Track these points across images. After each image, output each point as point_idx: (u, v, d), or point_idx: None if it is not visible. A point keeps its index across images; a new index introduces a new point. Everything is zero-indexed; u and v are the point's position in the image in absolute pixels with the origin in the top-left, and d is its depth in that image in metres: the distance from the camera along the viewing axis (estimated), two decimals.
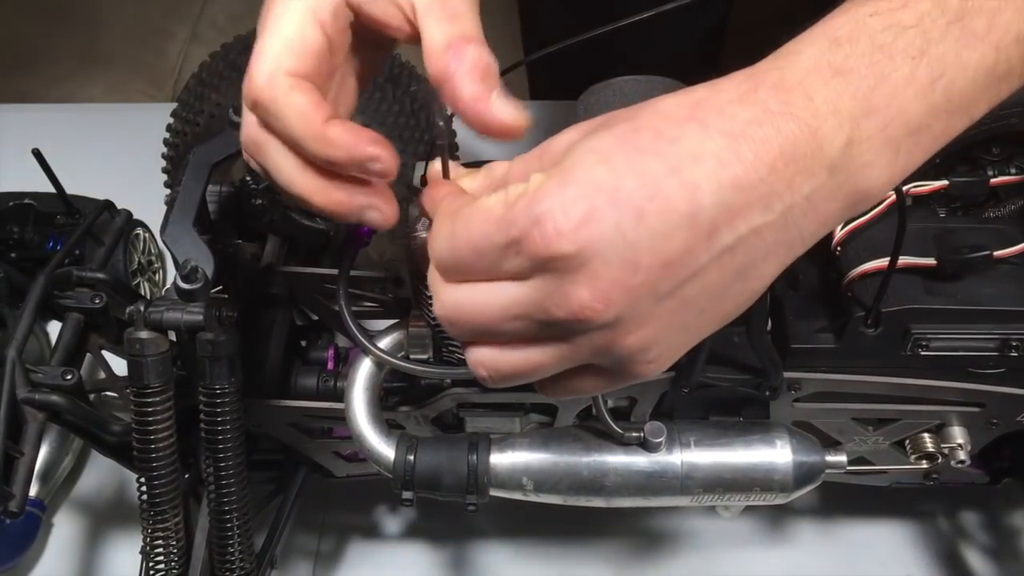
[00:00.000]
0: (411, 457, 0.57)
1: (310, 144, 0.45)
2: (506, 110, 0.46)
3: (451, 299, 0.43)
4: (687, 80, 0.53)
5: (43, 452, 0.79)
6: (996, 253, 0.58)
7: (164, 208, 0.57)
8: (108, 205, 0.82)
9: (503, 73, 0.51)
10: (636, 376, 0.44)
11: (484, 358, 0.44)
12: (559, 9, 1.09)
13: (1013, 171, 0.70)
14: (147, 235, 0.90)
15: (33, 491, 0.77)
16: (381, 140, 0.46)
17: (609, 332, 0.41)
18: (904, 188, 0.60)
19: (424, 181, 0.49)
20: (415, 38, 0.48)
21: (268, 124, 0.46)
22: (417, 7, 0.48)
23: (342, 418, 0.60)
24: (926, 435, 0.65)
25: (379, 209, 0.47)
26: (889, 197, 0.60)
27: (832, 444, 0.64)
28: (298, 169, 0.47)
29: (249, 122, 0.48)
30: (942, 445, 0.64)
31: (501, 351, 0.43)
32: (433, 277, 0.44)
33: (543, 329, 0.41)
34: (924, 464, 0.66)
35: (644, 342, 0.41)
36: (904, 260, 0.56)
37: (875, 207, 0.60)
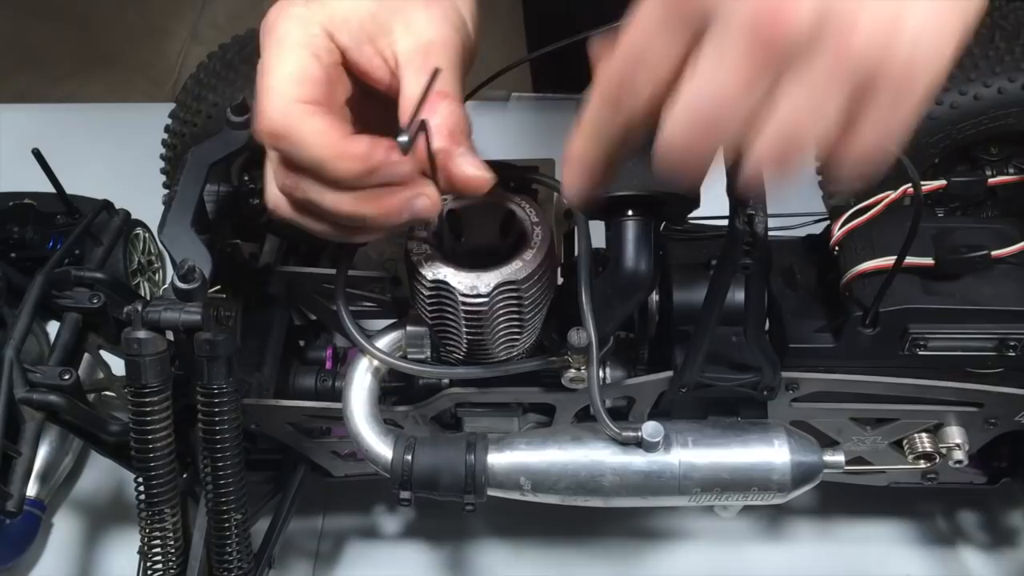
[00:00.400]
0: (409, 457, 0.57)
1: (333, 163, 0.46)
2: (469, 167, 0.48)
3: (687, 107, 0.38)
4: None
5: (42, 452, 0.78)
6: (994, 253, 0.58)
7: (163, 208, 0.57)
8: (107, 205, 0.82)
9: (506, 70, 0.51)
10: (909, 72, 0.37)
11: (770, 138, 0.37)
12: (563, 5, 1.09)
13: (1011, 171, 0.70)
14: (146, 235, 0.90)
15: (32, 491, 0.77)
16: (395, 146, 0.46)
17: (824, 26, 0.35)
18: (904, 188, 0.60)
19: None
20: (397, 91, 0.49)
21: (289, 156, 0.47)
22: (399, 59, 0.49)
23: (340, 418, 0.60)
24: (924, 435, 0.65)
25: (426, 194, 0.48)
26: (887, 196, 0.60)
27: (830, 444, 0.64)
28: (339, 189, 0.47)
29: (275, 162, 0.48)
30: (940, 445, 0.64)
31: (770, 117, 0.37)
32: (661, 145, 0.39)
33: (774, 59, 0.36)
34: (922, 464, 0.66)
35: (878, 19, 0.35)
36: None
37: (874, 207, 0.60)
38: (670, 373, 0.60)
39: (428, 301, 0.55)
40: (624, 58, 0.42)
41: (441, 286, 0.54)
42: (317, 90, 0.48)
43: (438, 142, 0.47)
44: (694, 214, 0.57)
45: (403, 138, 0.45)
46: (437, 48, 0.50)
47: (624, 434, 0.56)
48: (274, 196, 0.51)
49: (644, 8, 0.41)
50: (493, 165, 0.55)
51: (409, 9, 0.50)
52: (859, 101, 0.37)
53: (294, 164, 0.48)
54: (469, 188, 0.49)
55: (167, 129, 0.84)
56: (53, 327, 0.68)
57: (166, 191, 0.84)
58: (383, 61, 0.50)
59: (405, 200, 0.48)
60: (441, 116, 0.47)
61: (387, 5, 0.50)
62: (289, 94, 0.47)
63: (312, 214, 0.50)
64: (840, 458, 0.59)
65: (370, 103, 0.51)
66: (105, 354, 0.69)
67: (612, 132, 0.47)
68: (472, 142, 0.49)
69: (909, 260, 0.56)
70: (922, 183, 0.64)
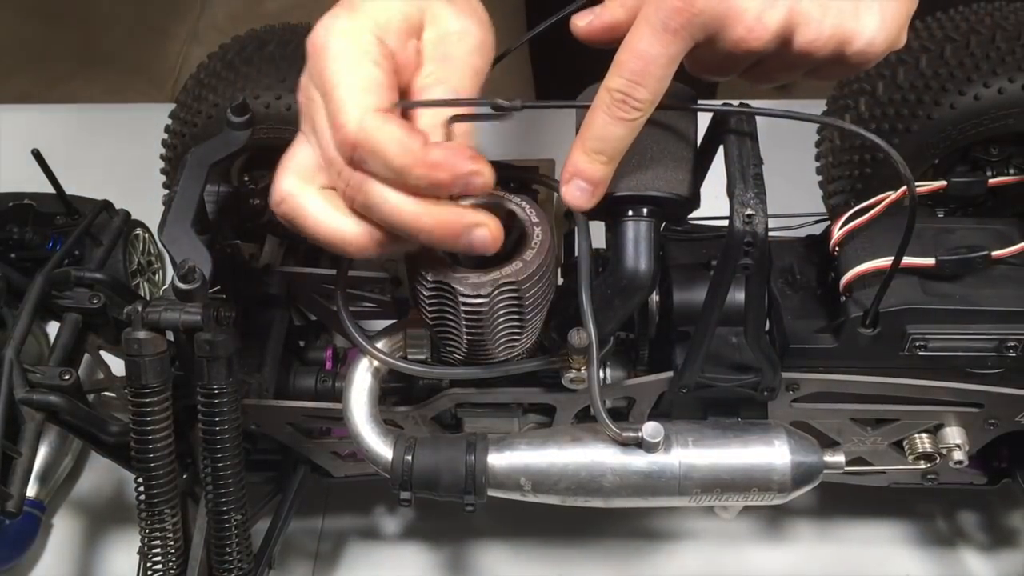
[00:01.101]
0: (409, 457, 0.57)
1: (415, 171, 0.46)
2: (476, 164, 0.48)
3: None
4: (688, 82, 0.53)
5: (42, 453, 0.78)
6: (994, 253, 0.58)
7: (163, 208, 0.57)
8: (106, 205, 0.82)
9: (501, 58, 0.52)
10: None
11: None
12: (566, 4, 1.09)
13: (1011, 171, 0.70)
14: (146, 235, 0.90)
15: (32, 492, 0.77)
16: (478, 155, 0.47)
17: None
18: (904, 188, 0.60)
19: None
20: None
21: (367, 166, 0.47)
22: (424, 50, 0.51)
23: (340, 418, 0.60)
24: (924, 435, 0.65)
25: (487, 225, 0.48)
26: (888, 197, 0.60)
27: (830, 444, 0.64)
28: (404, 195, 0.48)
29: (339, 164, 0.48)
30: (940, 445, 0.64)
31: None
32: None
33: None
34: (922, 464, 0.66)
35: None
36: (903, 260, 0.56)
37: (875, 207, 0.60)
38: (670, 374, 0.60)
39: (428, 301, 0.55)
40: (628, 74, 0.47)
41: (442, 286, 0.54)
42: (388, 97, 0.48)
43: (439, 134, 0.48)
44: (694, 214, 0.57)
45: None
46: (454, 37, 0.51)
47: (624, 434, 0.56)
48: (286, 188, 0.50)
49: (640, 24, 0.47)
50: (493, 165, 0.54)
51: (433, 5, 0.51)
52: None
53: (363, 169, 0.48)
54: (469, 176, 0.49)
55: (167, 129, 0.84)
56: (53, 327, 0.68)
57: (166, 191, 0.84)
58: (416, 55, 0.51)
59: (465, 226, 0.48)
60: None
61: (415, 5, 0.51)
62: (364, 103, 0.47)
63: (361, 215, 0.49)
64: (840, 458, 0.59)
65: None
66: (105, 354, 0.69)
67: (620, 147, 0.48)
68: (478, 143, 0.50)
69: (909, 261, 0.56)
70: (923, 184, 0.64)
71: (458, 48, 0.51)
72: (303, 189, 0.50)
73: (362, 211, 0.49)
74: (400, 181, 0.47)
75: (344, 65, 0.48)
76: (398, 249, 0.51)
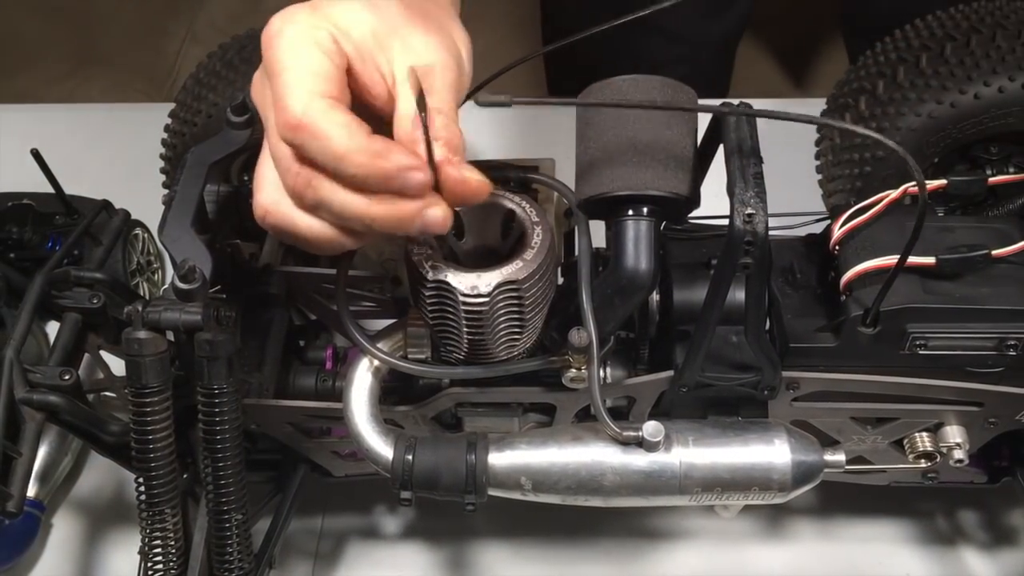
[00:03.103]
0: (409, 457, 0.57)
1: (356, 157, 0.46)
2: (468, 170, 0.48)
3: None
4: (701, 81, 0.53)
5: (42, 452, 0.78)
6: (994, 252, 0.58)
7: (163, 208, 0.57)
8: (106, 205, 0.82)
9: (515, 65, 0.52)
10: None
11: None
12: (580, 7, 1.09)
13: (1011, 170, 0.70)
14: (146, 235, 0.90)
15: (32, 491, 0.77)
16: (421, 156, 0.47)
17: None
18: (905, 187, 0.60)
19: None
20: (391, 110, 0.50)
21: (308, 151, 0.47)
22: (397, 77, 0.50)
23: (340, 418, 0.60)
24: (924, 434, 0.65)
25: (438, 205, 0.48)
26: (888, 195, 0.60)
27: (831, 443, 0.64)
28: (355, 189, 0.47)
29: (287, 160, 0.48)
30: (940, 444, 0.64)
31: None
32: None
33: None
34: (923, 463, 0.66)
35: None
36: None
37: (875, 206, 0.60)
38: (670, 373, 0.60)
39: (429, 301, 0.55)
40: None
41: (442, 286, 0.54)
42: (335, 87, 0.48)
43: (437, 153, 0.47)
44: (694, 213, 0.57)
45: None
46: (434, 71, 0.50)
47: (625, 434, 0.56)
48: (267, 200, 0.50)
49: None
50: (494, 165, 0.54)
51: (408, 32, 0.51)
52: None
53: (309, 160, 0.47)
54: (468, 192, 0.49)
55: (167, 129, 0.84)
56: (53, 327, 0.68)
57: (166, 191, 0.84)
58: (381, 78, 0.50)
59: (418, 209, 0.48)
60: (437, 129, 0.48)
61: (386, 24, 0.50)
62: (311, 88, 0.47)
63: (318, 216, 0.49)
64: (841, 457, 0.59)
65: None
66: (105, 354, 0.69)
67: None
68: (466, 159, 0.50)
69: (910, 260, 0.56)
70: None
71: (440, 81, 0.50)
72: (285, 198, 0.50)
73: (313, 207, 0.49)
74: (340, 171, 0.46)
75: (294, 51, 0.48)
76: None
